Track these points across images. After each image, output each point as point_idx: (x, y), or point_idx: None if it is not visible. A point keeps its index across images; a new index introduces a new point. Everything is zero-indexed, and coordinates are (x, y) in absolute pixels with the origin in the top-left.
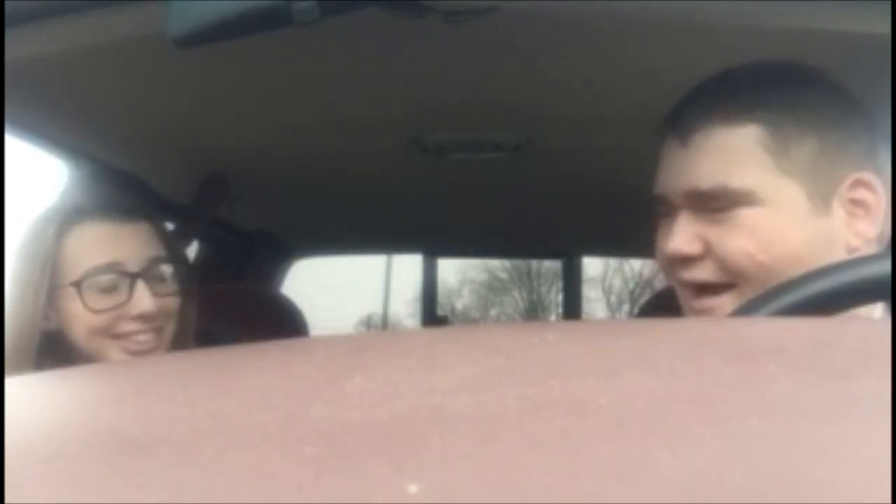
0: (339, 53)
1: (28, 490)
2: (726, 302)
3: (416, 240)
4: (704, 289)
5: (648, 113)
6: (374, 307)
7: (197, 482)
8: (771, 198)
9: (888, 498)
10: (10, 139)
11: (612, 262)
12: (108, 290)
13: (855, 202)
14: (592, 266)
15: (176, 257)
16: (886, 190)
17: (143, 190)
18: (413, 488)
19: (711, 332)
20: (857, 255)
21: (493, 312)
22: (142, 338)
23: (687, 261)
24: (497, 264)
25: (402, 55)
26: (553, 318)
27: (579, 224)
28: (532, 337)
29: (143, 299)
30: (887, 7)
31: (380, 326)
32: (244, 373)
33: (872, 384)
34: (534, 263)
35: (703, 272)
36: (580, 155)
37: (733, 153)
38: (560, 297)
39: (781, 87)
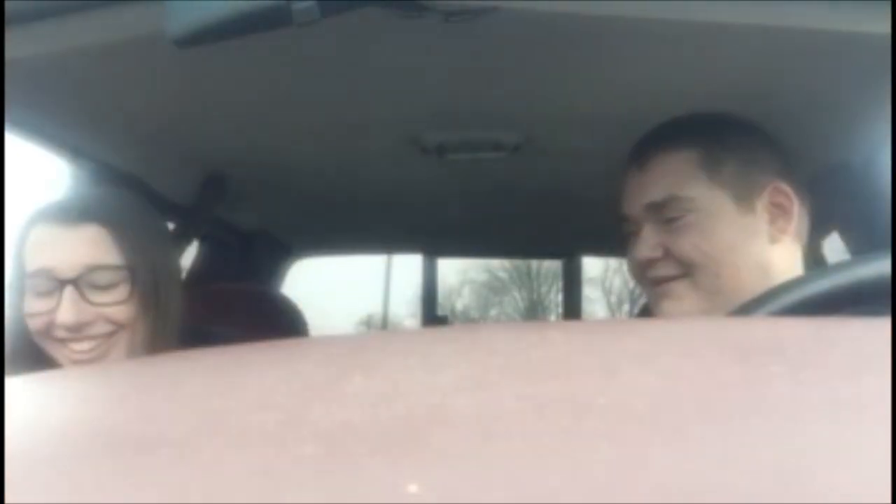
0: (339, 53)
1: (28, 490)
2: (682, 284)
3: (416, 240)
4: (665, 280)
5: (648, 113)
6: (374, 307)
7: (197, 482)
8: (707, 205)
9: (888, 498)
10: (10, 139)
11: (612, 262)
12: (43, 294)
13: (775, 205)
14: (592, 266)
15: (133, 265)
16: (801, 199)
17: (143, 190)
18: (413, 488)
19: (711, 332)
20: (778, 245)
21: (493, 312)
22: (76, 346)
23: (652, 263)
24: (497, 264)
25: (402, 55)
26: (553, 318)
27: (579, 224)
28: (532, 337)
29: (66, 309)
30: (887, 7)
31: (380, 326)
32: (244, 373)
33: (872, 384)
34: (534, 263)
35: (665, 269)
36: (580, 155)
37: (678, 171)
38: (560, 297)
39: (714, 124)
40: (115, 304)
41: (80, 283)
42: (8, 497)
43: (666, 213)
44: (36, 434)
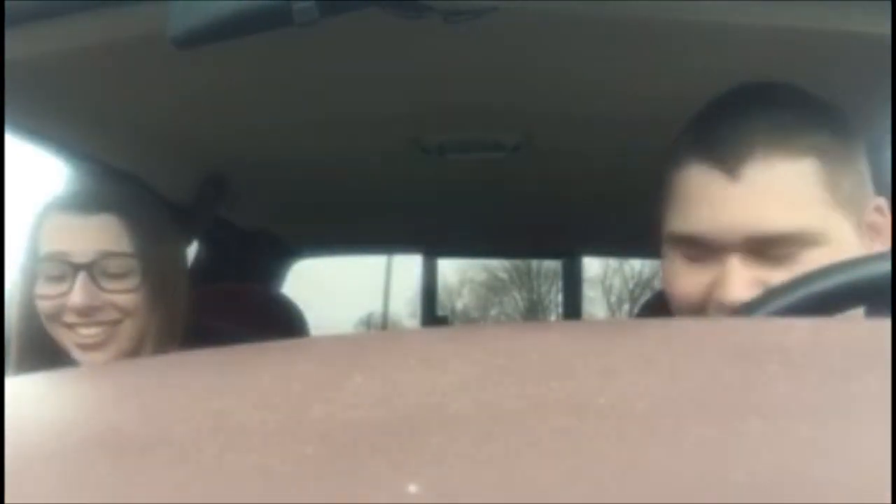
0: (339, 53)
1: (28, 490)
2: None
3: (416, 240)
4: None
5: (649, 113)
6: (374, 307)
7: (197, 482)
8: (832, 236)
9: (888, 498)
10: (10, 139)
11: (612, 262)
12: (55, 279)
13: (870, 226)
14: (592, 266)
15: (145, 255)
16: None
17: (143, 189)
18: (413, 488)
19: (711, 332)
20: None
21: (493, 312)
22: (84, 331)
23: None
24: (497, 264)
25: (402, 55)
26: (553, 318)
27: (579, 224)
28: (532, 337)
29: (79, 292)
30: (887, 7)
31: (380, 326)
32: (244, 373)
33: (872, 384)
34: (534, 263)
35: None
36: (580, 155)
37: (796, 191)
38: (560, 297)
39: (815, 113)
40: (126, 292)
41: (93, 268)
42: (8, 497)
43: (778, 249)
44: (36, 434)
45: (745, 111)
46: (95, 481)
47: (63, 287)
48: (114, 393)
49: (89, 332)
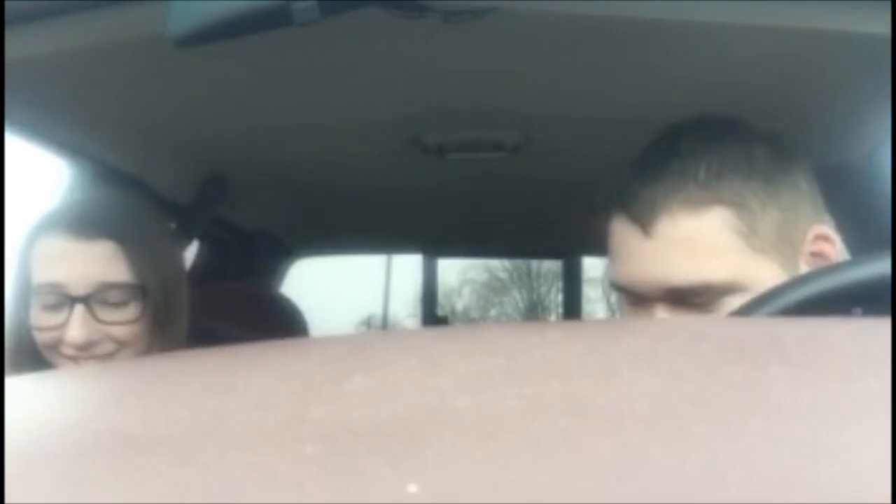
0: (339, 53)
1: (28, 490)
2: None
3: (416, 240)
4: None
5: (649, 113)
6: (374, 307)
7: (197, 482)
8: (751, 281)
9: (888, 498)
10: (10, 139)
11: None
12: (52, 308)
13: (815, 255)
14: (592, 266)
15: (145, 283)
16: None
17: (143, 190)
18: (413, 488)
19: (711, 332)
20: None
21: (493, 312)
22: (83, 363)
23: None
24: (497, 264)
25: (402, 55)
26: (553, 318)
27: (579, 224)
28: (532, 337)
29: (75, 327)
30: (887, 7)
31: (380, 326)
32: (244, 373)
33: (872, 384)
34: (534, 263)
35: None
36: (580, 155)
37: (706, 243)
38: (560, 297)
39: (731, 157)
40: (125, 324)
41: (91, 300)
42: (8, 497)
43: (693, 299)
44: (36, 434)
45: (661, 167)
46: (95, 481)
47: (59, 318)
48: (114, 393)
49: (89, 363)
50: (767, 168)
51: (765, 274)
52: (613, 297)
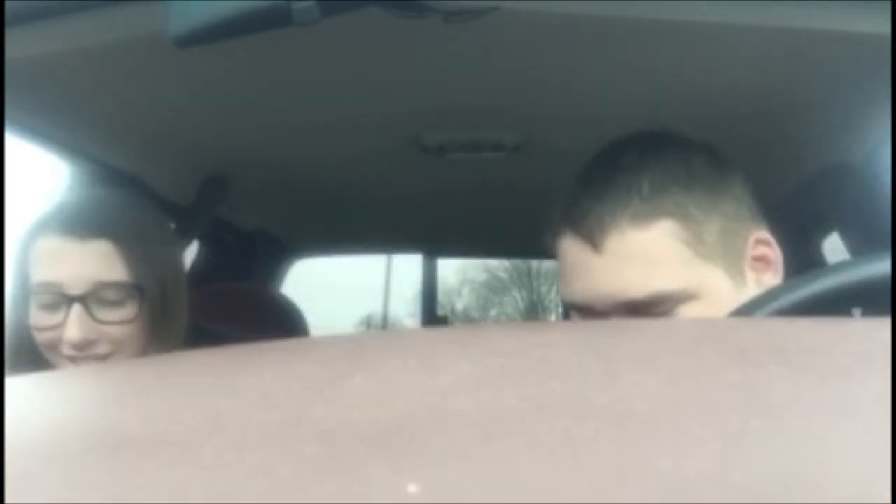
0: (339, 53)
1: (28, 490)
2: None
3: (416, 240)
4: None
5: (649, 113)
6: (374, 307)
7: (197, 482)
8: (701, 289)
9: (888, 498)
10: (10, 139)
11: None
12: (49, 308)
13: (757, 259)
14: None
15: (142, 282)
16: (774, 238)
17: (143, 190)
18: (413, 488)
19: (711, 332)
20: None
21: (493, 312)
22: (82, 363)
23: None
24: (497, 264)
25: (402, 55)
26: (553, 318)
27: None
28: (532, 337)
29: (73, 326)
30: (887, 7)
31: (380, 326)
32: (244, 373)
33: (872, 384)
34: (534, 263)
35: None
36: (580, 155)
37: (656, 255)
38: (560, 298)
39: (672, 169)
40: (122, 323)
41: (88, 299)
42: (8, 497)
43: (648, 310)
44: (36, 434)
45: (605, 182)
46: (95, 481)
47: (57, 318)
48: (114, 393)
49: (88, 363)
50: (707, 178)
51: (714, 281)
52: None
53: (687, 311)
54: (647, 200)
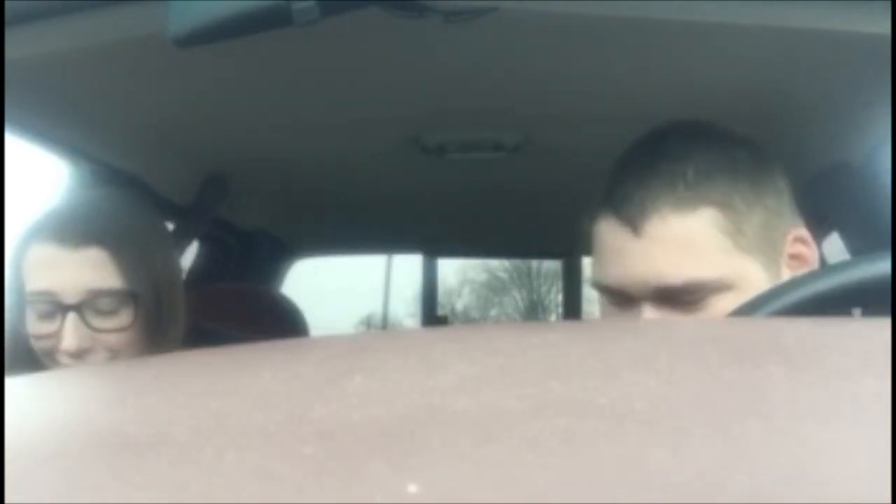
0: (339, 53)
1: (28, 490)
2: None
3: (416, 240)
4: None
5: (649, 113)
6: (374, 307)
7: (197, 482)
8: (737, 280)
9: (888, 498)
10: (10, 139)
11: None
12: (45, 317)
13: (793, 257)
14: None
15: (137, 289)
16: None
17: (143, 190)
18: (413, 488)
19: (711, 332)
20: None
21: (493, 312)
22: None
23: None
24: (497, 264)
25: (402, 55)
26: (553, 318)
27: (579, 224)
28: (532, 337)
29: (69, 335)
30: (887, 7)
31: (380, 326)
32: (244, 373)
33: (872, 384)
34: (534, 263)
35: None
36: (580, 155)
37: (696, 242)
38: (560, 297)
39: (717, 159)
40: (118, 331)
41: (83, 308)
42: (8, 497)
43: (682, 297)
44: (36, 434)
45: (649, 168)
46: (95, 481)
47: (53, 326)
48: (114, 393)
49: None
50: (751, 170)
51: (750, 273)
52: None
53: (720, 302)
54: (691, 188)
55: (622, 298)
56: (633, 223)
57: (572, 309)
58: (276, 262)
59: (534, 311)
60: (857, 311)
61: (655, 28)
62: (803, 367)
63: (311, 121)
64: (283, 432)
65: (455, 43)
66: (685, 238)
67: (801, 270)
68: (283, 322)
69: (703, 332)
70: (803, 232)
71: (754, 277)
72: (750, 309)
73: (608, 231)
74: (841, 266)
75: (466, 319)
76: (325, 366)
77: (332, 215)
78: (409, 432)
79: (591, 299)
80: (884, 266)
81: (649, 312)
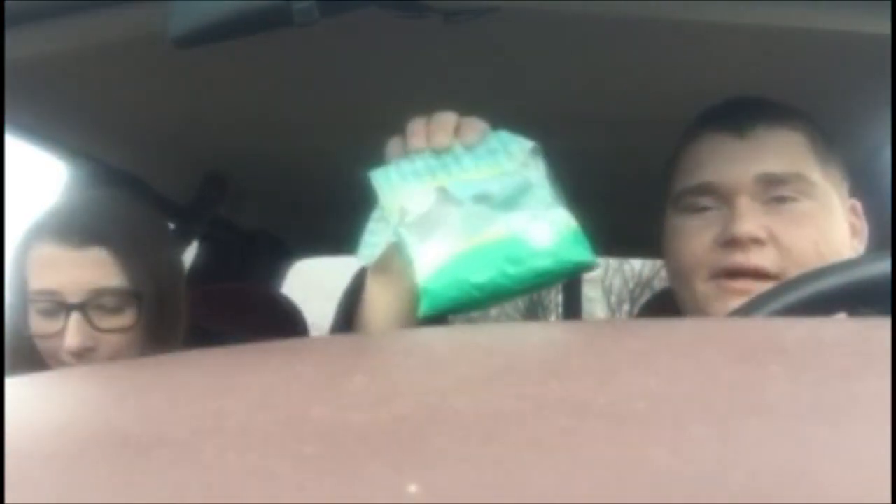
0: (339, 53)
1: (28, 490)
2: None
3: None
4: (751, 275)
5: (649, 113)
6: None
7: (197, 482)
8: (823, 195)
9: (888, 498)
10: (10, 139)
11: (613, 261)
12: (48, 316)
13: (850, 225)
14: None
15: (140, 288)
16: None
17: (143, 190)
18: (413, 488)
19: (711, 332)
20: None
21: (493, 312)
22: None
23: (748, 245)
24: None
25: (402, 55)
26: (553, 318)
27: (579, 224)
28: (532, 337)
29: (72, 335)
30: (887, 7)
31: None
32: (244, 373)
33: (872, 384)
34: None
35: (764, 259)
36: (581, 155)
37: (795, 149)
38: (560, 297)
39: (798, 120)
40: (121, 330)
41: (87, 307)
42: (8, 497)
43: (780, 191)
44: (36, 434)
45: (750, 99)
46: (95, 481)
47: (56, 325)
48: (114, 393)
49: None
50: (823, 138)
51: (831, 195)
52: (613, 298)
53: (807, 206)
54: (788, 114)
55: (713, 198)
56: (740, 127)
57: (572, 309)
58: (276, 262)
59: (534, 311)
60: (857, 311)
61: (656, 28)
62: (803, 367)
63: (312, 120)
64: (283, 432)
65: (455, 43)
66: (787, 143)
67: (854, 239)
68: (283, 322)
69: (703, 332)
70: (856, 204)
71: (835, 202)
72: (750, 309)
73: (709, 140)
74: (841, 266)
75: (466, 319)
76: (325, 366)
77: (332, 215)
78: (409, 432)
79: (591, 299)
80: (884, 266)
81: (746, 201)
